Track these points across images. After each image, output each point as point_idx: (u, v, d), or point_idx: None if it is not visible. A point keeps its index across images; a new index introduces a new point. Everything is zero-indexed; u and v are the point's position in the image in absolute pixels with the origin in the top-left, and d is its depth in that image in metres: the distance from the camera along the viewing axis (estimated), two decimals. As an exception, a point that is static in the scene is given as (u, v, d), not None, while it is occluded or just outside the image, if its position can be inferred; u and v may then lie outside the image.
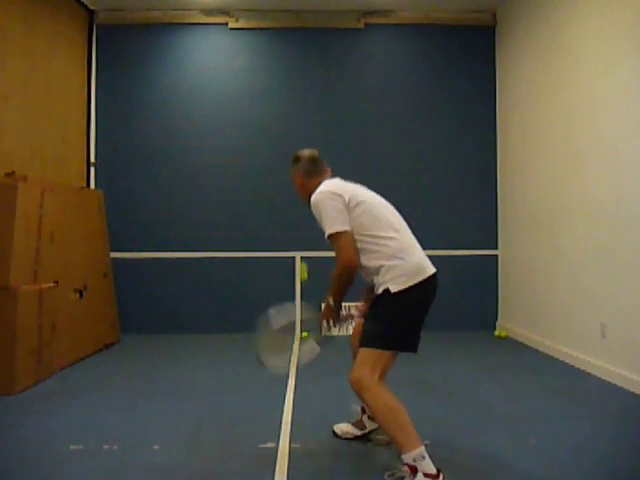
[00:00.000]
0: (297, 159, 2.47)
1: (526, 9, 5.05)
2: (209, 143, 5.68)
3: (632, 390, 3.39)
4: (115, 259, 5.27)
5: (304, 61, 5.80)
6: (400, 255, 2.14)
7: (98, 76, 5.68)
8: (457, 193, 5.76)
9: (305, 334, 5.23)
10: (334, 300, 2.25)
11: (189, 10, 5.67)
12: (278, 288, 5.36)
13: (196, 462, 2.38)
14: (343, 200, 2.16)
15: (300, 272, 2.85)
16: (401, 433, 1.96)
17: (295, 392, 3.43)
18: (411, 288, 2.10)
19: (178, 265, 5.62)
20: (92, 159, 5.63)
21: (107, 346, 4.83)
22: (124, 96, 5.68)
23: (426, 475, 1.90)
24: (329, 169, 2.49)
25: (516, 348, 4.86)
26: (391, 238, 2.17)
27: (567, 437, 2.63)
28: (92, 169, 5.63)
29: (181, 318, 5.59)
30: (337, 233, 2.11)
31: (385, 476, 2.13)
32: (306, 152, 2.48)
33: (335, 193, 2.19)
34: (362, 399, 2.11)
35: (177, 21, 5.68)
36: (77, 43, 5.45)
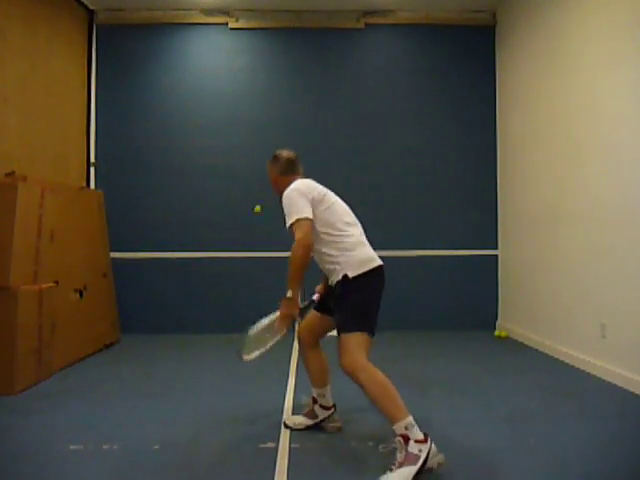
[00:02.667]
0: (275, 158, 2.74)
1: (526, 9, 5.05)
2: (209, 143, 5.68)
3: (632, 390, 3.39)
4: (115, 259, 5.27)
5: (304, 61, 5.80)
6: (355, 248, 2.43)
7: (98, 76, 5.68)
8: (457, 193, 5.76)
9: None
10: (293, 290, 2.42)
11: (189, 10, 5.67)
12: (277, 288, 5.34)
13: (196, 462, 2.38)
14: (309, 197, 2.45)
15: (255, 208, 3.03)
16: (393, 406, 2.17)
17: (295, 392, 3.43)
18: (366, 274, 2.38)
19: (178, 265, 5.62)
20: (92, 159, 5.64)
21: (107, 346, 4.83)
22: (124, 96, 5.69)
23: (417, 441, 2.10)
24: (302, 171, 2.75)
25: (516, 348, 4.86)
26: (349, 233, 2.47)
27: (567, 437, 2.63)
28: (92, 169, 5.63)
29: (181, 318, 5.60)
30: (298, 220, 2.37)
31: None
32: (284, 153, 2.75)
33: (303, 191, 2.47)
34: (357, 381, 2.26)
35: (177, 21, 5.68)
36: (77, 43, 5.46)
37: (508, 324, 5.48)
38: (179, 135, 5.67)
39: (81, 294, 4.43)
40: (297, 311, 2.48)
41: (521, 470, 2.28)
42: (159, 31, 5.70)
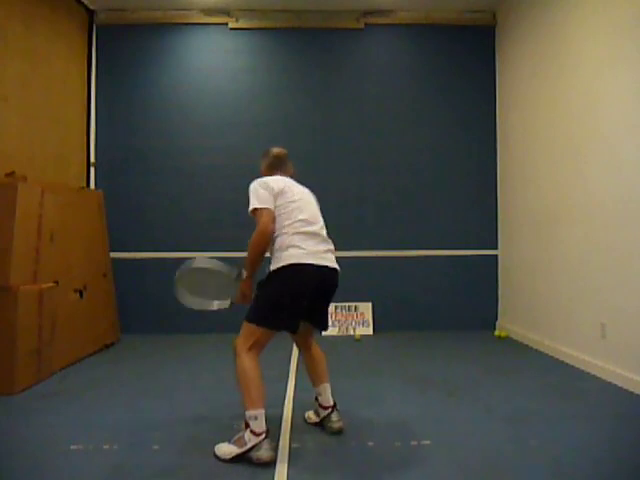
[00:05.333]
0: (266, 153, 2.89)
1: (526, 9, 5.05)
2: (209, 143, 5.68)
3: (632, 390, 3.40)
4: (115, 259, 5.27)
5: (304, 61, 5.80)
6: (297, 243, 2.50)
7: (98, 76, 5.69)
8: (457, 193, 5.76)
9: None
10: (248, 272, 2.55)
11: (189, 10, 5.67)
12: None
13: (196, 462, 2.38)
14: (272, 190, 2.57)
15: None
16: (247, 395, 2.37)
17: (295, 392, 3.43)
18: (285, 268, 2.46)
19: (178, 265, 5.58)
20: (92, 159, 5.64)
21: (107, 346, 4.83)
22: (124, 96, 5.69)
23: (252, 432, 2.33)
24: (290, 169, 2.86)
25: (516, 348, 4.86)
26: (298, 229, 2.54)
27: (567, 437, 2.63)
28: (92, 169, 5.63)
29: (181, 318, 5.59)
30: (257, 209, 2.52)
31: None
32: (274, 149, 2.88)
33: (267, 183, 2.60)
34: (233, 362, 2.49)
35: (177, 21, 5.69)
36: (77, 43, 5.46)
37: (508, 324, 5.48)
38: (179, 135, 5.67)
39: (81, 294, 4.43)
40: (250, 290, 2.58)
41: (521, 470, 2.28)
42: (159, 31, 5.70)
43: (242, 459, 2.34)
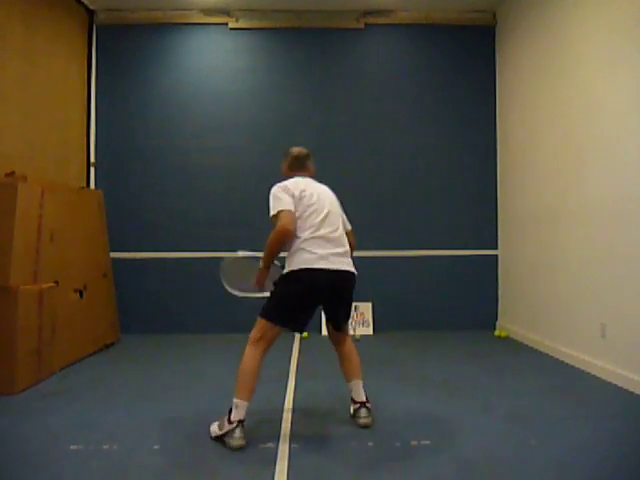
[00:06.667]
0: (286, 153, 2.98)
1: (526, 9, 5.05)
2: (209, 143, 5.68)
3: (632, 390, 3.40)
4: (115, 259, 5.27)
5: (304, 61, 5.80)
6: (309, 248, 2.59)
7: (98, 76, 5.69)
8: (457, 193, 5.76)
9: (305, 334, 5.24)
10: (264, 265, 2.66)
11: (189, 10, 5.67)
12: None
13: (196, 462, 2.38)
14: (292, 193, 2.65)
15: None
16: (240, 385, 2.55)
17: (295, 392, 3.43)
18: (295, 272, 2.58)
19: (178, 265, 5.62)
20: (92, 159, 5.64)
21: (107, 346, 4.83)
22: (124, 96, 5.68)
23: (228, 419, 2.52)
24: (310, 169, 2.95)
25: (516, 348, 4.86)
26: (312, 234, 2.62)
27: (567, 437, 2.63)
28: (92, 169, 5.63)
29: (181, 318, 5.60)
30: (280, 211, 2.59)
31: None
32: (294, 150, 2.96)
33: (287, 187, 2.68)
34: None
35: (177, 21, 5.68)
36: (77, 43, 5.46)
37: (508, 324, 5.48)
38: (179, 135, 5.67)
39: (81, 294, 4.43)
40: (265, 279, 2.70)
41: (521, 470, 2.28)
42: (159, 31, 5.70)
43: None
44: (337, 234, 2.70)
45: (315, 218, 2.65)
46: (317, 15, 5.73)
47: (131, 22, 5.67)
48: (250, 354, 2.58)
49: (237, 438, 2.48)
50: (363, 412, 2.79)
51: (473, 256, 5.73)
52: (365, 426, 2.76)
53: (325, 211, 2.71)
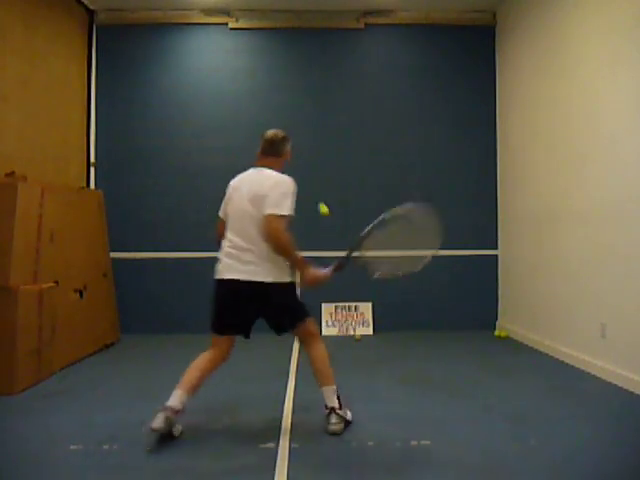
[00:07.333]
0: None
1: (526, 9, 5.05)
2: (209, 143, 5.68)
3: (632, 390, 3.39)
4: (115, 259, 5.27)
5: (304, 61, 5.80)
6: (221, 256, 2.69)
7: (98, 76, 5.68)
8: (457, 193, 5.76)
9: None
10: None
11: (189, 10, 5.67)
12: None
13: (196, 462, 2.38)
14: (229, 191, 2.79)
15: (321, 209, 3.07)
16: (183, 376, 2.65)
17: (295, 392, 3.43)
18: (216, 280, 2.69)
19: (178, 265, 5.62)
20: (92, 159, 5.63)
21: (107, 346, 4.83)
22: (124, 96, 5.68)
23: (164, 404, 2.55)
24: (261, 156, 2.88)
25: (516, 348, 4.86)
26: (226, 241, 2.68)
27: (567, 437, 2.63)
28: (92, 169, 5.63)
29: (181, 318, 5.59)
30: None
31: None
32: (266, 133, 3.02)
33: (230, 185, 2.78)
34: None
35: (177, 21, 5.68)
36: (77, 43, 5.45)
37: (508, 324, 5.48)
38: (179, 135, 5.67)
39: (81, 294, 4.43)
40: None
41: (521, 470, 2.28)
42: (159, 31, 5.70)
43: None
44: (244, 241, 2.58)
45: (229, 222, 2.67)
46: (317, 15, 5.73)
47: (131, 22, 5.67)
48: (199, 356, 2.75)
49: (156, 419, 2.47)
50: (333, 418, 2.65)
51: (473, 256, 5.72)
52: (333, 433, 2.62)
53: (238, 214, 2.65)
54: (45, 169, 4.74)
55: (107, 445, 2.54)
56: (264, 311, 2.66)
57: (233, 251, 2.61)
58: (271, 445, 2.53)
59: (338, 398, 2.71)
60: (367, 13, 5.74)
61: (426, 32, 5.81)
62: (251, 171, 2.81)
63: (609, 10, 3.73)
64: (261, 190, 2.59)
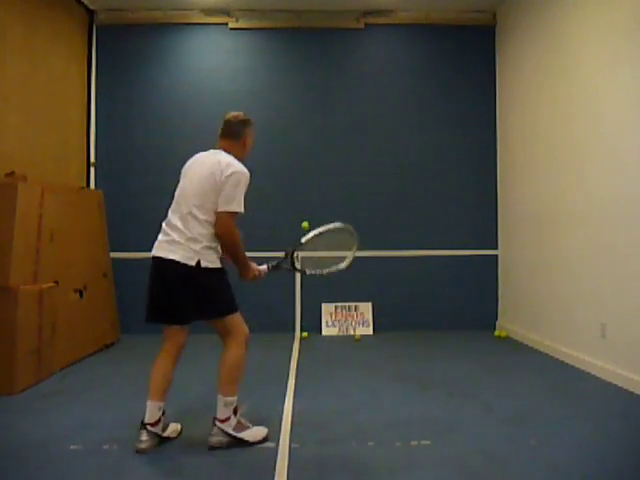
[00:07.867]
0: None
1: (526, 9, 5.05)
2: (209, 143, 5.64)
3: (632, 390, 3.39)
4: (115, 259, 5.27)
5: (304, 61, 5.80)
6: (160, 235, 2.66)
7: (98, 76, 5.68)
8: (457, 193, 5.76)
9: (305, 334, 5.24)
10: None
11: (189, 10, 5.67)
12: (278, 288, 5.35)
13: (196, 462, 2.38)
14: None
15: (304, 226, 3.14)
16: (150, 384, 2.59)
17: (295, 392, 3.43)
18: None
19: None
20: (92, 159, 5.63)
21: (107, 346, 4.83)
22: (124, 96, 5.68)
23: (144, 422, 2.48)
24: (219, 138, 2.86)
25: (516, 348, 4.86)
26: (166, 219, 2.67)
27: (567, 437, 2.63)
28: (92, 169, 5.63)
29: (181, 318, 5.58)
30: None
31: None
32: (227, 115, 2.86)
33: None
34: None
35: (177, 21, 5.68)
36: (77, 43, 5.45)
37: (508, 324, 5.48)
38: (179, 135, 5.66)
39: (81, 294, 4.43)
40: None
41: (521, 470, 2.29)
42: (159, 31, 5.69)
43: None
44: (179, 220, 2.58)
45: (179, 198, 2.68)
46: (317, 15, 5.73)
47: (131, 22, 5.67)
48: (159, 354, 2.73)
49: (138, 441, 2.42)
50: (213, 430, 2.47)
51: (473, 256, 5.72)
52: (211, 446, 2.44)
53: (180, 193, 2.69)
54: (45, 169, 4.74)
55: (107, 445, 2.54)
56: (187, 295, 2.61)
57: (167, 229, 2.62)
58: (271, 445, 2.53)
59: (235, 412, 2.50)
60: (367, 13, 5.74)
61: (426, 32, 5.81)
62: (207, 153, 2.78)
63: (609, 10, 3.73)
64: (212, 175, 2.60)
